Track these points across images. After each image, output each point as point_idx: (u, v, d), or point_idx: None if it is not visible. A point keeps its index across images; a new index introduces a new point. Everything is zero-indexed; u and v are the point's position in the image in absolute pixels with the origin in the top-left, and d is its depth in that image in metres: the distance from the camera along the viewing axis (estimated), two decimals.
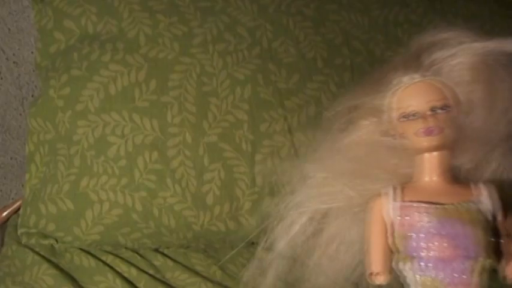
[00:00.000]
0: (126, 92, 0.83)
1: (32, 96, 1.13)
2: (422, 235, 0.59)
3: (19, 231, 0.87)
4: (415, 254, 0.60)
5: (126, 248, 0.87)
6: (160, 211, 0.83)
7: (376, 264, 0.62)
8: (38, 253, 0.84)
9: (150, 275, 0.82)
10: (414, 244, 0.59)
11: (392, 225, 0.62)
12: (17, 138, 1.16)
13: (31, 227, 0.86)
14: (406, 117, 0.63)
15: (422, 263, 0.59)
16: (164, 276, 0.83)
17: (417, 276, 0.59)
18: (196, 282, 0.81)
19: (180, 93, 0.84)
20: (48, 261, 0.83)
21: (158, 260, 0.85)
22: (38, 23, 0.91)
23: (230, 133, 0.84)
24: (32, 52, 1.09)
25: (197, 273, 0.83)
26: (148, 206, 0.83)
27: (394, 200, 0.62)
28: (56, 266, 0.82)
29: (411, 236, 0.60)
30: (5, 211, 1.01)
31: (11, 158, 1.19)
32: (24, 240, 0.86)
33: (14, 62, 1.11)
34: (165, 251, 0.88)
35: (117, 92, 0.83)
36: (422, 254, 0.59)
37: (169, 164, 0.83)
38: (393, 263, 0.63)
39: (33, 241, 0.86)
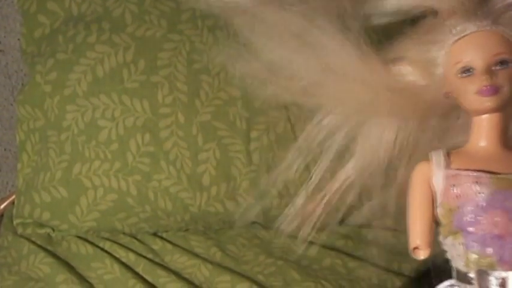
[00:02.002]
0: (114, 74, 0.81)
1: (22, 84, 1.10)
2: (470, 208, 0.52)
3: (14, 222, 0.86)
4: (462, 229, 0.53)
5: (123, 233, 0.85)
6: (155, 194, 0.81)
7: (420, 237, 0.55)
8: (34, 242, 0.83)
9: (148, 259, 0.81)
10: (461, 218, 0.53)
11: (439, 195, 0.55)
12: (9, 129, 1.14)
13: (26, 217, 0.84)
14: (466, 72, 0.54)
15: (469, 239, 0.53)
16: (163, 259, 0.81)
17: (463, 252, 0.53)
18: (196, 264, 0.80)
19: (170, 72, 0.81)
20: (45, 250, 0.81)
21: (157, 244, 0.84)
22: (21, 7, 0.88)
23: (224, 111, 0.81)
24: (19, 39, 1.06)
25: (197, 255, 0.82)
26: (143, 190, 0.81)
27: (445, 167, 0.55)
28: (53, 255, 0.81)
29: (458, 208, 0.53)
30: (2, 203, 1.00)
31: (5, 150, 1.17)
32: (20, 230, 0.85)
33: (0, 51, 1.08)
34: (164, 235, 0.86)
35: (105, 74, 0.81)
36: (470, 229, 0.52)
37: (162, 145, 0.81)
38: (439, 237, 0.56)
39: (29, 231, 0.85)
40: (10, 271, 0.78)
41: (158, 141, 0.80)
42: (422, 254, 0.55)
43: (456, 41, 0.55)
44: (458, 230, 0.54)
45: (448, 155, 0.56)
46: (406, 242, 0.90)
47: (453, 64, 0.55)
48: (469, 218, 0.53)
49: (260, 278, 0.79)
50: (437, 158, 0.56)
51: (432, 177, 0.55)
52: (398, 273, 0.81)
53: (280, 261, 0.82)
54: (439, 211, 0.55)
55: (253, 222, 0.89)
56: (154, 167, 0.80)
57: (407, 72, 0.58)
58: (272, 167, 0.81)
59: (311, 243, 0.86)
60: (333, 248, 0.85)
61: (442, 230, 0.56)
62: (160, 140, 0.80)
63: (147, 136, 0.80)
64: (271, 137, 0.81)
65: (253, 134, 0.81)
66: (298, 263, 0.82)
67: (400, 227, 0.90)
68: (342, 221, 0.91)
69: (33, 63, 0.86)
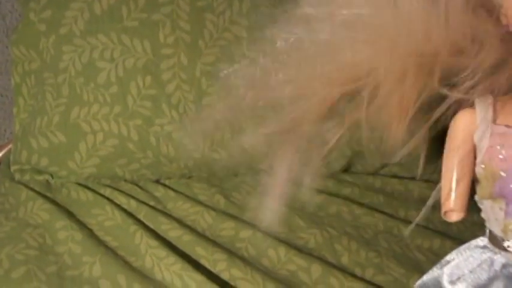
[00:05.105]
0: (113, 11, 0.77)
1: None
2: None
3: (12, 169, 0.84)
4: (505, 197, 0.46)
5: (125, 180, 0.83)
6: (157, 140, 0.78)
7: (455, 200, 0.47)
8: (32, 189, 0.80)
9: (150, 206, 0.79)
10: (506, 185, 0.45)
11: (481, 152, 0.47)
12: (5, 74, 1.10)
13: (24, 163, 0.82)
14: None
15: None
16: (165, 206, 0.80)
17: (503, 219, 0.46)
18: (199, 211, 0.78)
19: (172, 9, 0.77)
20: (44, 196, 0.79)
21: (159, 191, 0.82)
22: None
23: (229, 52, 0.77)
24: None
25: (200, 203, 0.80)
26: (144, 135, 0.78)
27: (492, 120, 0.45)
28: (52, 201, 0.79)
29: (503, 174, 0.45)
30: (0, 151, 0.97)
31: (1, 95, 1.13)
32: (17, 177, 0.83)
33: None
34: (166, 182, 0.84)
35: (102, 11, 0.77)
36: None
37: (164, 88, 0.77)
38: (476, 196, 0.49)
39: (27, 177, 0.83)
40: (8, 217, 0.76)
41: (160, 83, 0.77)
42: (455, 217, 0.47)
43: None
44: (500, 197, 0.46)
45: (494, 104, 0.46)
46: (413, 190, 0.89)
47: None
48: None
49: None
50: (484, 108, 0.46)
51: (475, 130, 0.47)
52: (404, 220, 0.80)
53: (285, 208, 0.80)
54: (479, 171, 0.47)
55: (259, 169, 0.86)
56: (156, 111, 0.77)
57: None
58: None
59: (317, 190, 0.85)
60: (339, 196, 0.84)
61: (479, 190, 0.48)
62: (162, 82, 0.77)
63: (148, 78, 0.77)
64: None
65: None
66: (303, 210, 0.81)
67: (407, 174, 0.89)
68: (348, 169, 0.89)
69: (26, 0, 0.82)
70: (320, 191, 0.84)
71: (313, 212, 0.81)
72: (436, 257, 0.79)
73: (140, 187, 0.83)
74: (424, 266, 0.75)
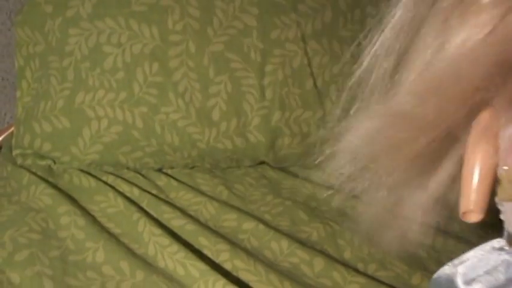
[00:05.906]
0: None
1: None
2: None
3: (14, 152, 0.83)
4: None
5: (127, 168, 0.82)
6: (162, 128, 0.77)
7: (474, 202, 0.44)
8: (34, 173, 0.80)
9: (153, 194, 0.78)
10: None
11: (505, 152, 0.44)
12: (7, 57, 1.09)
13: (26, 148, 0.81)
14: None
15: None
16: (168, 196, 0.79)
17: None
18: (201, 202, 0.77)
19: None
20: (46, 181, 0.78)
21: (162, 180, 0.81)
22: None
23: (238, 41, 0.77)
24: None
25: (203, 193, 0.79)
26: (149, 123, 0.77)
27: None
28: (54, 186, 0.78)
29: None
30: (0, 135, 0.96)
31: (2, 79, 1.12)
32: (19, 161, 0.82)
33: None
34: (169, 172, 0.83)
35: None
36: None
37: (171, 76, 0.76)
38: (496, 198, 0.46)
39: (29, 162, 0.82)
40: (10, 201, 0.76)
41: (167, 71, 0.76)
42: (474, 218, 0.45)
43: None
44: None
45: None
46: None
47: None
48: None
49: (267, 217, 0.77)
50: (509, 108, 0.43)
51: (500, 130, 0.44)
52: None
53: (288, 202, 0.80)
54: (501, 172, 0.45)
55: (262, 162, 0.86)
56: (162, 98, 0.77)
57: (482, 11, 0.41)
58: (286, 103, 0.78)
59: (320, 184, 0.84)
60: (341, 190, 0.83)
61: (500, 191, 0.46)
62: (170, 70, 0.76)
63: (156, 65, 0.76)
64: (286, 71, 0.77)
65: (268, 68, 0.77)
66: (306, 204, 0.80)
67: None
68: None
69: None
70: (323, 185, 0.84)
71: (316, 206, 0.80)
72: (437, 255, 0.79)
73: (143, 175, 0.82)
74: (426, 263, 0.75)
